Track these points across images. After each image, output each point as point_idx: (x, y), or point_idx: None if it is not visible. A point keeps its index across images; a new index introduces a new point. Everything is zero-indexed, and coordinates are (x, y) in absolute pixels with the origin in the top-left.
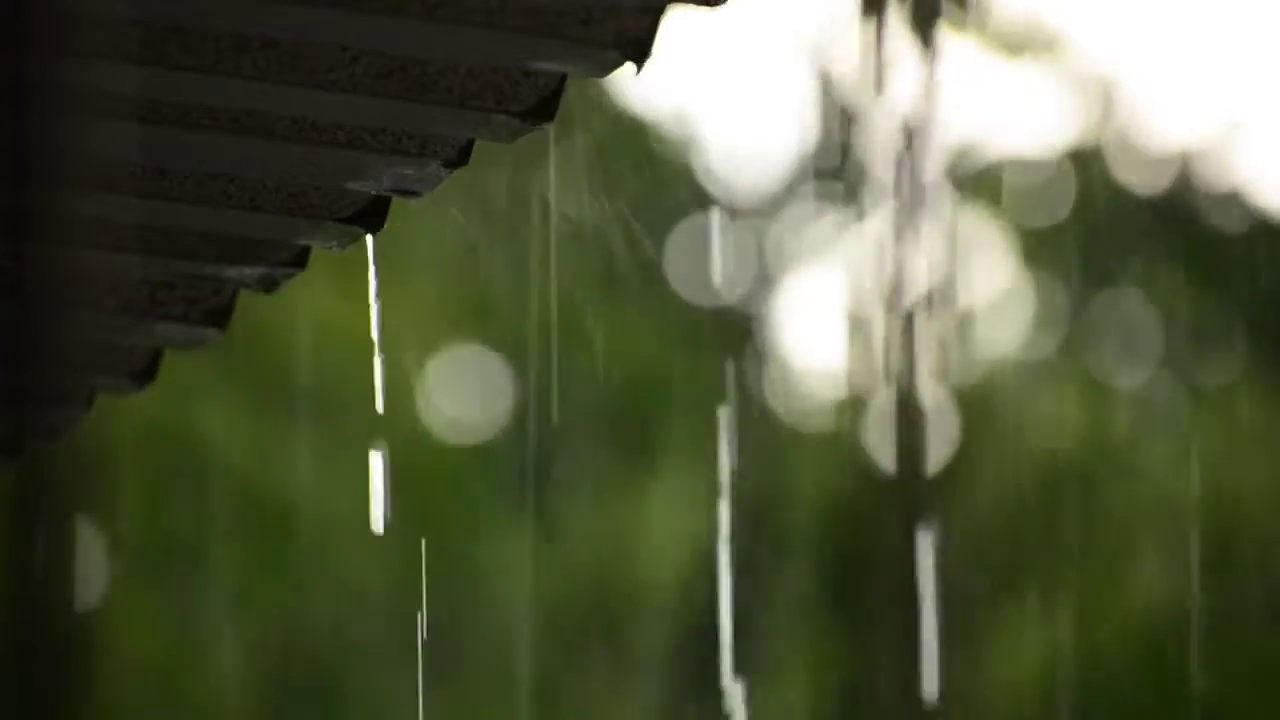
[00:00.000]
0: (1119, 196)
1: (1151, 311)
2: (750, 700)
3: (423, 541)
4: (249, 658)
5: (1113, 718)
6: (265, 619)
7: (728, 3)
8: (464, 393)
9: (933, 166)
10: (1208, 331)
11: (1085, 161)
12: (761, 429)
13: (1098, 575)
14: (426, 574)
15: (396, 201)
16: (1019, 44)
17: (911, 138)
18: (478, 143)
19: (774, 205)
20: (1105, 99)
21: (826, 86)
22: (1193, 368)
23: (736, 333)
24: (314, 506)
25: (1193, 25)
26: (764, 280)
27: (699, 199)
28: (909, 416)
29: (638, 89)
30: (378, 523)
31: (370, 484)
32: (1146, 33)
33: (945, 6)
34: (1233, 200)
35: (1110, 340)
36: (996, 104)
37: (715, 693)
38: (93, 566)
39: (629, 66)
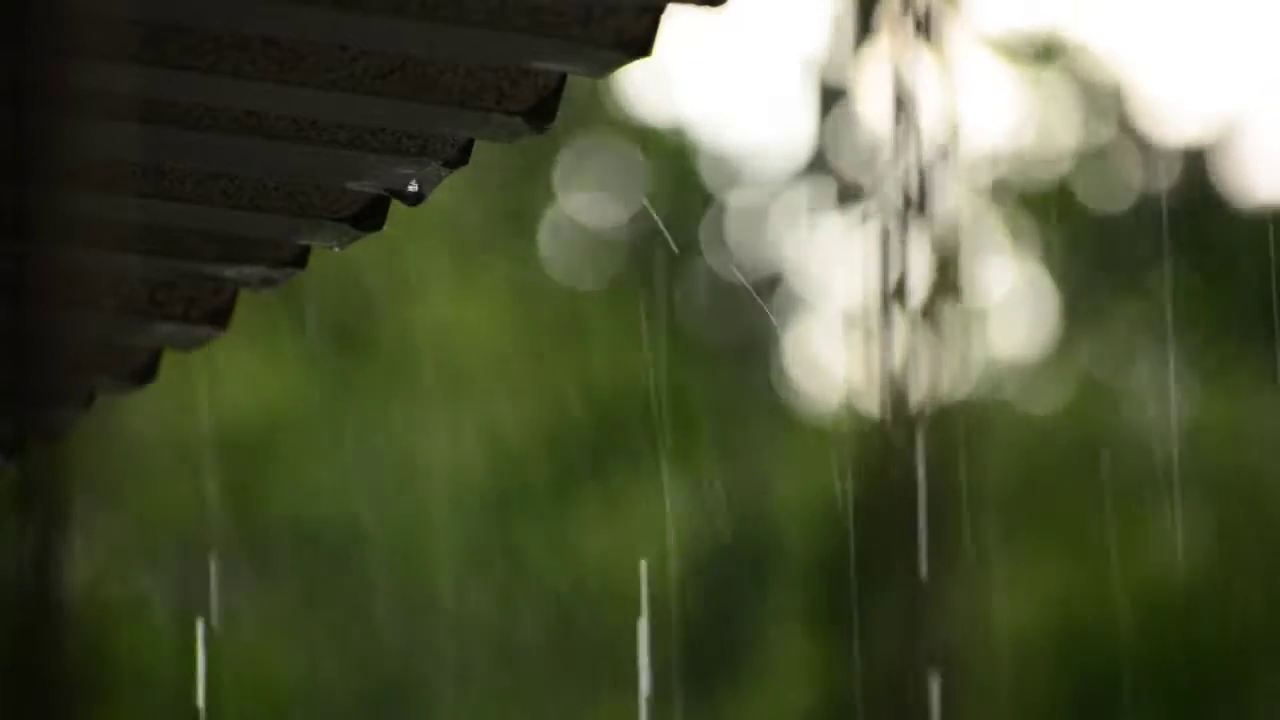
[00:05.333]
0: (1126, 195)
1: (1161, 309)
2: (743, 698)
3: None
4: None
5: (1108, 703)
6: None
7: (728, 3)
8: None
9: (939, 166)
10: (1217, 327)
11: (1093, 161)
12: (761, 428)
13: (1097, 571)
14: None
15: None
16: (1029, 42)
17: (917, 138)
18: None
19: (775, 204)
20: (1115, 97)
21: (829, 86)
22: (1200, 364)
23: (735, 332)
24: None
25: (1199, 24)
26: (765, 279)
27: (701, 198)
28: (910, 417)
29: (642, 87)
30: None
31: None
32: (1153, 33)
33: (951, 5)
34: (1243, 196)
35: (1117, 337)
36: (1003, 103)
37: (708, 692)
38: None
39: (628, 66)
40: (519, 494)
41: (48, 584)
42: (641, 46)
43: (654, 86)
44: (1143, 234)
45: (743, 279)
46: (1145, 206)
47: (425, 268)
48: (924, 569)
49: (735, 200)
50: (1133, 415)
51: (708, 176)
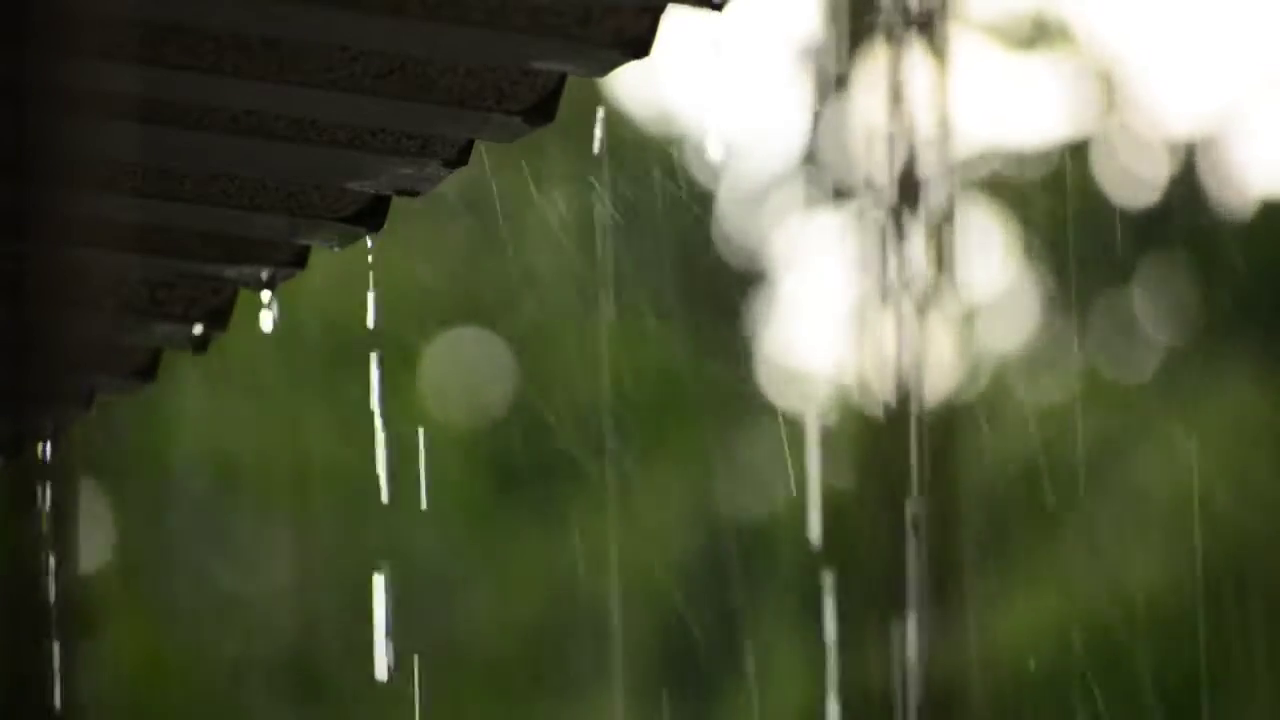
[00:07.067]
0: (1123, 189)
1: (1158, 304)
2: (741, 701)
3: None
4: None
5: (1109, 703)
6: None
7: (729, 6)
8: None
9: (933, 160)
10: (1214, 323)
11: (1088, 153)
12: (754, 425)
13: (1096, 570)
14: None
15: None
16: (1020, 35)
17: (912, 132)
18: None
19: (771, 201)
20: (1108, 90)
21: (824, 79)
22: (1198, 360)
23: (732, 329)
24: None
25: (1195, 12)
26: (759, 277)
27: (695, 195)
28: (906, 415)
29: (639, 84)
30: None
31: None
32: (1148, 22)
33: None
34: (1239, 189)
35: (1115, 334)
36: (997, 95)
37: (705, 694)
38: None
39: (628, 66)
40: (500, 494)
41: (50, 584)
42: (641, 46)
43: (646, 80)
44: (1138, 227)
45: (736, 275)
46: (1141, 199)
47: (407, 267)
48: (922, 567)
49: (727, 195)
50: (1130, 411)
51: (699, 171)
